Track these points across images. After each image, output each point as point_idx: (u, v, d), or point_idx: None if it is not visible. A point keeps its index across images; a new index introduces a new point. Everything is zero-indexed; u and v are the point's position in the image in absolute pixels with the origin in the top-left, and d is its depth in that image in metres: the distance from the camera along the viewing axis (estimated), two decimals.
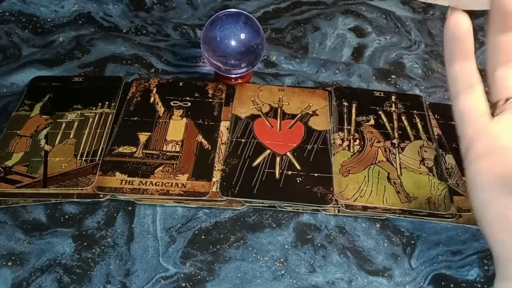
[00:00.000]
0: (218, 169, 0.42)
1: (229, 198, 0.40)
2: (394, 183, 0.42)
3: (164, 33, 0.58)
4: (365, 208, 0.40)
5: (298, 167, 0.42)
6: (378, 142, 0.45)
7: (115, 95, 0.48)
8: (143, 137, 0.44)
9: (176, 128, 0.45)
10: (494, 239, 0.25)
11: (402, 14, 0.62)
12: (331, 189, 0.41)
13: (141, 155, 0.43)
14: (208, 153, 0.43)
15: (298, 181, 0.41)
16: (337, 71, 0.53)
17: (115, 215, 0.39)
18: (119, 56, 0.53)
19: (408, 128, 0.47)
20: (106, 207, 0.40)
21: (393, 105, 0.49)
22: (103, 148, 0.43)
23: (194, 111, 0.47)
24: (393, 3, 0.64)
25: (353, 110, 0.48)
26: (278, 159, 0.43)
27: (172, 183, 0.41)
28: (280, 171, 0.42)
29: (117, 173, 0.41)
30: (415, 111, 0.48)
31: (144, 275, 0.36)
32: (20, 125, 0.45)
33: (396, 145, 0.45)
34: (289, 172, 0.42)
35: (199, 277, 0.36)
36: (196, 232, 0.39)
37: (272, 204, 0.40)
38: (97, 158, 0.42)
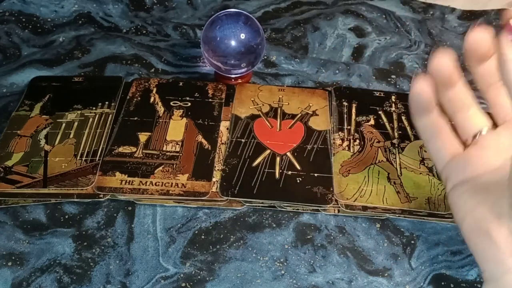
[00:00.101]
0: (218, 169, 0.42)
1: (229, 198, 0.40)
2: (394, 183, 0.42)
3: (164, 33, 0.58)
4: (365, 208, 0.40)
5: (298, 167, 0.42)
6: (378, 142, 0.45)
7: (115, 95, 0.48)
8: (143, 137, 0.44)
9: (176, 128, 0.45)
10: (473, 245, 0.29)
11: (402, 14, 0.62)
12: (331, 189, 0.41)
13: (141, 155, 0.43)
14: (208, 153, 0.43)
15: (298, 181, 0.41)
16: (337, 71, 0.53)
17: (115, 215, 0.39)
18: (119, 56, 0.53)
19: (408, 128, 0.47)
20: (106, 207, 0.40)
21: (393, 105, 0.49)
22: (103, 148, 0.43)
23: (194, 111, 0.47)
24: (393, 3, 0.64)
25: (353, 110, 0.48)
26: (278, 159, 0.43)
27: (172, 183, 0.41)
28: (280, 171, 0.42)
29: (117, 173, 0.41)
30: None
31: (144, 275, 0.36)
32: (20, 125, 0.45)
33: (396, 145, 0.45)
34: (289, 172, 0.42)
35: (199, 277, 0.36)
36: (196, 232, 0.39)
37: (272, 204, 0.40)
38: (97, 158, 0.42)
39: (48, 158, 0.42)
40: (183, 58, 0.54)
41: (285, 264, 0.37)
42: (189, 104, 0.48)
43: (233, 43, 0.46)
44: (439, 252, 0.38)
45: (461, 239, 0.39)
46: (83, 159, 0.42)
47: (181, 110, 0.47)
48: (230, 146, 0.44)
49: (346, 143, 0.45)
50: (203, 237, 0.38)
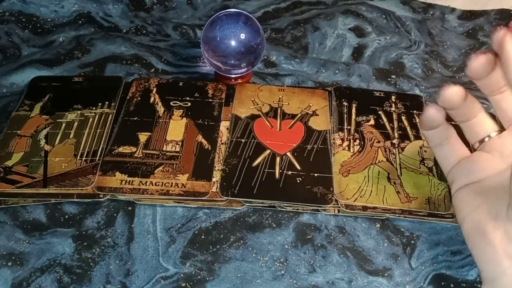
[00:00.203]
0: (218, 169, 0.42)
1: (229, 198, 0.40)
2: (394, 183, 0.42)
3: (164, 33, 0.58)
4: (365, 208, 0.40)
5: (298, 167, 0.42)
6: (378, 142, 0.45)
7: (115, 95, 0.48)
8: (143, 137, 0.44)
9: (176, 128, 0.45)
10: (472, 245, 0.29)
11: (402, 14, 0.62)
12: (331, 189, 0.41)
13: (141, 155, 0.43)
14: (208, 153, 0.43)
15: (298, 181, 0.41)
16: (337, 71, 0.53)
17: (115, 215, 0.39)
18: (119, 56, 0.53)
19: (408, 128, 0.47)
20: (106, 207, 0.40)
21: (393, 105, 0.49)
22: (103, 148, 0.43)
23: (194, 111, 0.47)
24: (393, 3, 0.64)
25: (353, 110, 0.48)
26: (278, 159, 0.43)
27: (172, 183, 0.41)
28: (280, 171, 0.42)
29: (117, 173, 0.41)
30: (415, 111, 0.48)
31: (144, 275, 0.36)
32: (20, 125, 0.45)
33: (396, 145, 0.45)
34: (289, 172, 0.42)
35: (199, 277, 0.36)
36: (196, 232, 0.39)
37: (272, 204, 0.40)
38: (97, 158, 0.42)
39: (48, 158, 0.42)
40: (183, 58, 0.54)
41: (285, 264, 0.37)
42: (189, 104, 0.48)
43: (233, 43, 0.46)
44: (439, 252, 0.38)
45: (461, 239, 0.39)
46: (83, 159, 0.42)
47: (181, 110, 0.47)
48: (230, 146, 0.44)
49: (346, 143, 0.45)
50: (203, 237, 0.38)
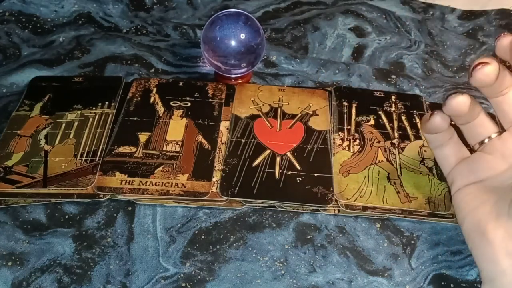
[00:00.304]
0: (218, 169, 0.42)
1: (229, 198, 0.40)
2: (394, 183, 0.42)
3: (164, 33, 0.58)
4: (365, 208, 0.40)
5: (298, 167, 0.42)
6: (378, 142, 0.45)
7: (115, 95, 0.48)
8: (143, 137, 0.44)
9: (176, 128, 0.45)
10: (472, 245, 0.30)
11: (402, 14, 0.62)
12: (331, 189, 0.41)
13: (141, 155, 0.43)
14: (208, 153, 0.43)
15: (298, 181, 0.41)
16: (337, 71, 0.53)
17: (115, 215, 0.39)
18: (119, 56, 0.53)
19: (408, 128, 0.47)
20: (106, 207, 0.40)
21: (393, 105, 0.49)
22: (103, 148, 0.43)
23: (194, 111, 0.47)
24: (393, 3, 0.64)
25: (353, 110, 0.48)
26: (278, 159, 0.43)
27: (172, 183, 0.41)
28: (280, 171, 0.42)
29: (117, 173, 0.41)
30: (415, 111, 0.48)
31: (144, 275, 0.36)
32: (20, 125, 0.45)
33: (396, 145, 0.45)
34: (289, 172, 0.42)
35: (199, 277, 0.36)
36: (196, 232, 0.39)
37: (272, 204, 0.40)
38: (97, 158, 0.42)
39: (48, 158, 0.42)
40: (183, 58, 0.54)
41: (285, 264, 0.37)
42: (189, 104, 0.48)
43: (233, 43, 0.46)
44: (439, 252, 0.38)
45: (461, 239, 0.39)
46: (83, 159, 0.42)
47: (181, 110, 0.47)
48: (230, 146, 0.44)
49: (346, 143, 0.45)
50: (203, 237, 0.38)
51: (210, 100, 0.48)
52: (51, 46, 0.55)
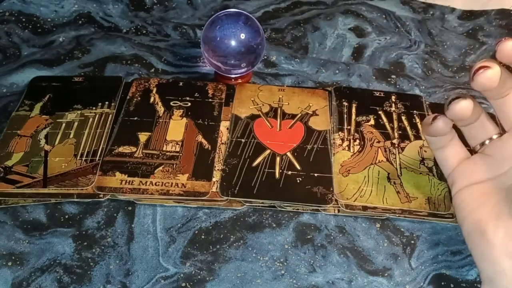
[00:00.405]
0: (218, 169, 0.42)
1: (229, 198, 0.40)
2: (394, 183, 0.42)
3: (164, 33, 0.58)
4: (365, 208, 0.40)
5: (298, 167, 0.42)
6: (378, 142, 0.45)
7: (115, 95, 0.48)
8: (143, 137, 0.44)
9: (176, 128, 0.45)
10: (472, 245, 0.30)
11: (402, 14, 0.62)
12: (331, 189, 0.41)
13: (141, 155, 0.43)
14: (208, 153, 0.43)
15: (298, 181, 0.41)
16: (337, 71, 0.53)
17: (115, 215, 0.39)
18: (119, 56, 0.53)
19: (408, 128, 0.47)
20: (106, 207, 0.40)
21: (393, 105, 0.49)
22: (103, 148, 0.43)
23: (194, 111, 0.47)
24: (393, 3, 0.64)
25: (353, 110, 0.48)
26: (278, 159, 0.43)
27: (172, 183, 0.41)
28: (280, 171, 0.42)
29: (117, 173, 0.41)
30: (415, 111, 0.48)
31: (144, 275, 0.36)
32: (20, 125, 0.45)
33: (396, 145, 0.45)
34: (289, 172, 0.42)
35: (199, 277, 0.36)
36: (196, 232, 0.39)
37: (272, 204, 0.40)
38: (97, 158, 0.42)
39: (48, 158, 0.42)
40: (183, 58, 0.54)
41: (285, 264, 0.37)
42: (189, 104, 0.48)
43: (233, 43, 0.46)
44: (439, 252, 0.38)
45: (461, 239, 0.39)
46: (83, 159, 0.42)
47: (181, 110, 0.47)
48: (230, 146, 0.44)
49: (346, 143, 0.45)
50: (203, 237, 0.38)
51: (210, 100, 0.48)
52: (51, 46, 0.55)
